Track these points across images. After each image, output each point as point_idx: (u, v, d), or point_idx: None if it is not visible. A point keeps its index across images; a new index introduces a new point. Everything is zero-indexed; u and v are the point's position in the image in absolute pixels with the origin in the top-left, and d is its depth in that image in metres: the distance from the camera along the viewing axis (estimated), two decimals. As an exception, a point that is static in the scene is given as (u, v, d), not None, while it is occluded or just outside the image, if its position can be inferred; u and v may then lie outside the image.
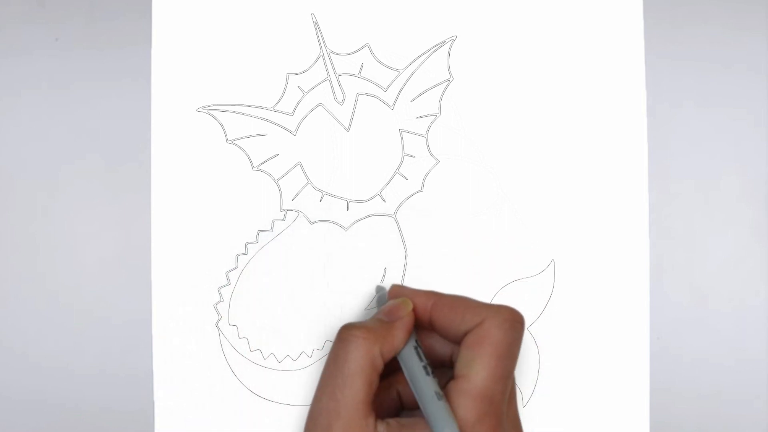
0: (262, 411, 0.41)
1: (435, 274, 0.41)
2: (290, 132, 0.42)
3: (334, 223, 0.41)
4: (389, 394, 0.37)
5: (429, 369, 0.35)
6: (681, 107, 0.41)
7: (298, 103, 0.42)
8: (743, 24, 0.41)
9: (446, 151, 0.42)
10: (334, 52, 0.42)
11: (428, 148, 0.41)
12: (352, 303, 0.41)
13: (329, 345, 0.41)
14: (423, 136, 0.41)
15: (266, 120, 0.41)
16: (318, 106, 0.41)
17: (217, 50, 0.42)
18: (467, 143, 0.41)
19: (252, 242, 0.41)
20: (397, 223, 0.41)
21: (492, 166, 0.41)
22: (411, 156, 0.41)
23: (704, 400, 0.41)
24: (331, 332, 0.41)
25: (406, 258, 0.41)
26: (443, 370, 0.37)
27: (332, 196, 0.41)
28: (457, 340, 0.35)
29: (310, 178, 0.41)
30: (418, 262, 0.41)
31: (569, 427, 0.41)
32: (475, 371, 0.34)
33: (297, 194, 0.41)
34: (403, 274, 0.41)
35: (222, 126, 0.41)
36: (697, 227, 0.41)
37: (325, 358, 0.41)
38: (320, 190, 0.41)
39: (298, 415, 0.41)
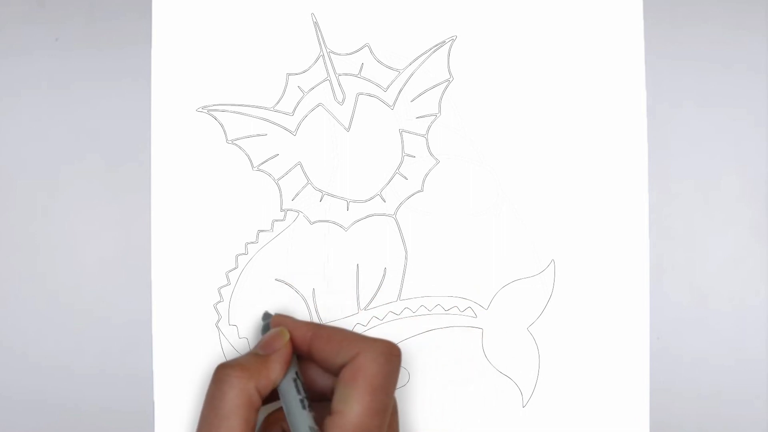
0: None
1: (435, 274, 0.41)
2: (290, 132, 0.42)
3: (334, 223, 0.41)
4: (274, 430, 0.37)
5: (306, 402, 0.35)
6: (681, 107, 0.41)
7: (298, 103, 0.42)
8: (743, 24, 0.41)
9: (446, 151, 0.42)
10: (334, 52, 0.42)
11: (428, 148, 0.41)
12: (351, 303, 0.41)
13: (329, 345, 0.41)
14: (423, 136, 0.41)
15: (266, 120, 0.41)
16: (318, 106, 0.42)
17: (217, 50, 0.42)
18: (467, 143, 0.41)
19: (252, 242, 0.41)
20: (397, 223, 0.41)
21: (492, 166, 0.41)
22: (411, 156, 0.41)
23: (704, 400, 0.41)
24: (331, 332, 0.41)
25: (406, 258, 0.41)
26: (325, 403, 0.36)
27: (332, 196, 0.41)
28: (336, 373, 0.35)
29: (310, 178, 0.41)
30: (418, 262, 0.41)
31: (569, 427, 0.41)
32: (350, 407, 0.33)
33: (297, 194, 0.41)
34: (403, 274, 0.41)
35: (222, 126, 0.41)
36: (697, 227, 0.41)
37: None
38: (320, 190, 0.41)
39: (298, 415, 0.41)
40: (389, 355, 0.35)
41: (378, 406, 0.34)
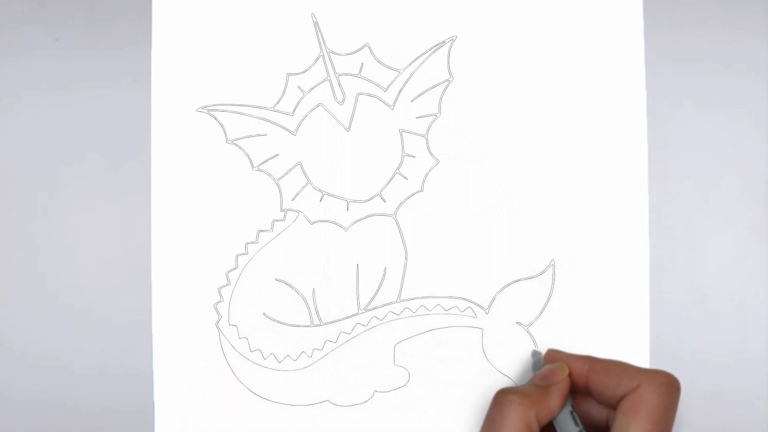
0: (262, 411, 0.41)
1: (435, 274, 0.41)
2: (290, 132, 0.42)
3: (334, 223, 0.41)
4: None
5: None
6: (681, 107, 0.41)
7: (298, 103, 0.42)
8: (743, 24, 0.41)
9: (446, 151, 0.42)
10: (334, 52, 0.42)
11: (428, 148, 0.41)
12: (351, 303, 0.41)
13: (329, 345, 0.41)
14: (423, 136, 0.41)
15: (266, 120, 0.42)
16: (318, 106, 0.42)
17: (217, 50, 0.42)
18: (467, 143, 0.41)
19: (252, 242, 0.41)
20: (397, 223, 0.41)
21: (492, 166, 0.41)
22: (411, 156, 0.41)
23: (704, 400, 0.41)
24: (331, 332, 0.41)
25: (406, 258, 0.41)
26: None
27: (332, 196, 0.41)
28: (613, 405, 0.36)
29: (310, 178, 0.41)
30: (418, 262, 0.41)
31: (569, 427, 0.41)
32: None
33: (297, 194, 0.41)
34: (403, 274, 0.41)
35: (222, 126, 0.41)
36: (697, 227, 0.41)
37: (326, 358, 0.41)
38: (320, 190, 0.41)
39: (298, 415, 0.41)
40: (670, 387, 0.35)
41: None
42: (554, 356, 0.38)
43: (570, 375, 0.37)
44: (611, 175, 0.41)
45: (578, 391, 0.37)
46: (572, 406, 0.36)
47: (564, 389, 0.36)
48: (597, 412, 0.37)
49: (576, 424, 0.36)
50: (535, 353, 0.40)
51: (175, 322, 0.41)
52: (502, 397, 0.35)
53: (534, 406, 0.35)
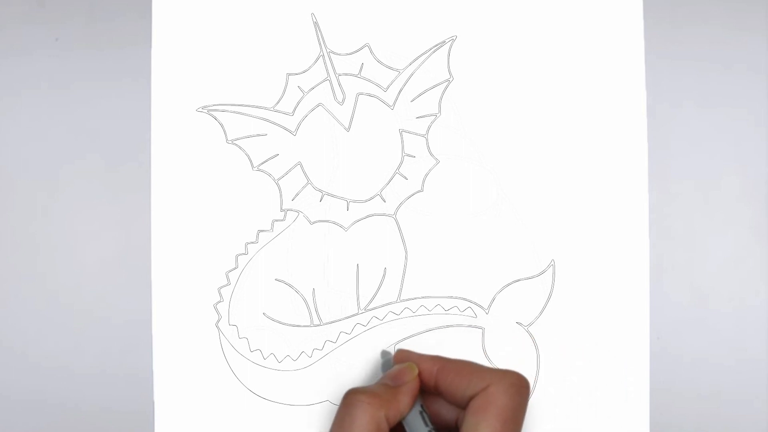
0: (262, 411, 0.41)
1: (435, 274, 0.41)
2: (290, 132, 0.42)
3: (334, 223, 0.41)
4: None
5: None
6: (681, 107, 0.41)
7: (298, 103, 0.42)
8: (743, 24, 0.41)
9: (446, 151, 0.42)
10: (334, 52, 0.42)
11: (428, 148, 0.41)
12: (351, 303, 0.41)
13: (329, 345, 0.41)
14: (423, 136, 0.41)
15: (266, 120, 0.42)
16: (318, 106, 0.42)
17: (217, 50, 0.42)
18: (467, 143, 0.41)
19: (252, 242, 0.41)
20: (397, 223, 0.41)
21: (492, 166, 0.41)
22: (411, 156, 0.41)
23: (704, 400, 0.41)
24: (331, 332, 0.41)
25: (405, 258, 0.41)
26: None
27: (332, 196, 0.41)
28: (463, 405, 0.35)
29: (310, 178, 0.41)
30: (418, 262, 0.41)
31: (569, 428, 0.41)
32: None
33: (297, 194, 0.41)
34: (403, 274, 0.41)
35: (222, 126, 0.41)
36: (697, 227, 0.41)
37: (326, 358, 0.41)
38: (320, 190, 0.41)
39: (298, 415, 0.41)
40: (519, 387, 0.35)
41: None
42: (404, 356, 0.38)
43: (420, 375, 0.37)
44: (611, 175, 0.41)
45: (428, 390, 0.37)
46: (422, 406, 0.36)
47: (413, 389, 0.36)
48: (447, 411, 0.37)
49: (425, 424, 0.36)
50: (384, 353, 0.40)
51: (175, 322, 0.41)
52: (351, 396, 0.35)
53: (383, 407, 0.35)
